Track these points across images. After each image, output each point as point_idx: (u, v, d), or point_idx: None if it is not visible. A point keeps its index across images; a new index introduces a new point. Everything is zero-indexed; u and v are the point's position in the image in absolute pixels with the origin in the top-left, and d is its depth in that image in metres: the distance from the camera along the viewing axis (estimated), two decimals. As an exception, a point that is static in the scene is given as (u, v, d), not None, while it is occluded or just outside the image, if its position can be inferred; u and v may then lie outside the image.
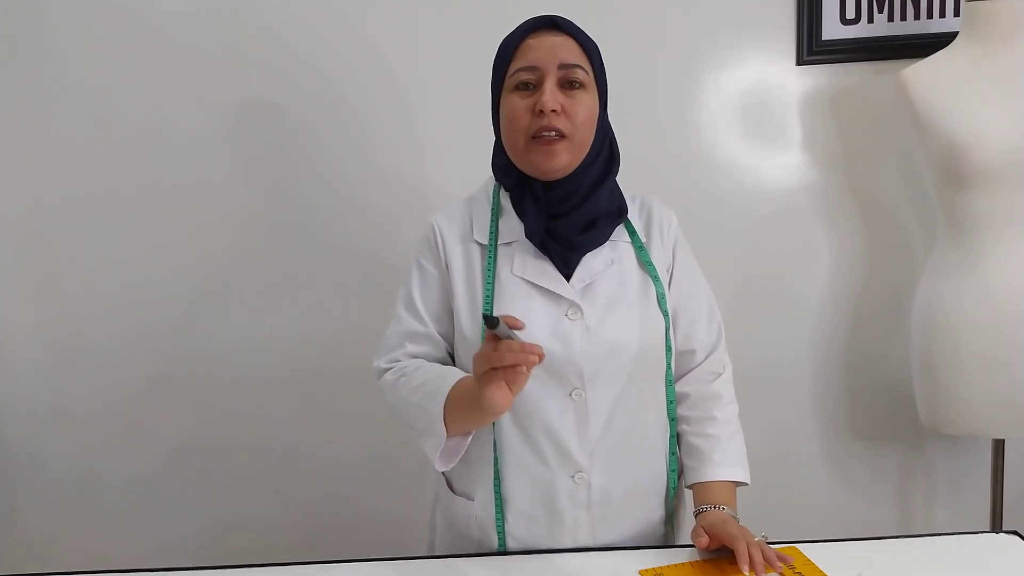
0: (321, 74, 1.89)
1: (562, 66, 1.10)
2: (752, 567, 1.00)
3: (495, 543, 1.18)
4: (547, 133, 1.09)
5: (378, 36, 1.88)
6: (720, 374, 1.24)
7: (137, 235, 1.95)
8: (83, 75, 1.90)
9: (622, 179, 1.22)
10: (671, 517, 1.22)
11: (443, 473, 1.27)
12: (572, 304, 1.13)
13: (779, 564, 1.01)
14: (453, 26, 1.86)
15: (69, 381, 2.01)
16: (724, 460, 1.18)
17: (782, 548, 1.09)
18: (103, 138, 1.92)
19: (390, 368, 1.20)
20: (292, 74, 1.89)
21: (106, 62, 1.90)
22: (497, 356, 0.93)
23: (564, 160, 1.11)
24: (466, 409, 1.06)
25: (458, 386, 1.08)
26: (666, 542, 1.22)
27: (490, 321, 0.91)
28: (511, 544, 1.18)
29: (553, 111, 1.08)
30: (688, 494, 1.26)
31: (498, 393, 0.95)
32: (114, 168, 1.93)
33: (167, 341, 1.99)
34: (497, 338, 0.94)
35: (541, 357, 0.93)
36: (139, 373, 2.00)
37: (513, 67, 1.12)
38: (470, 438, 1.13)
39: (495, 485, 1.17)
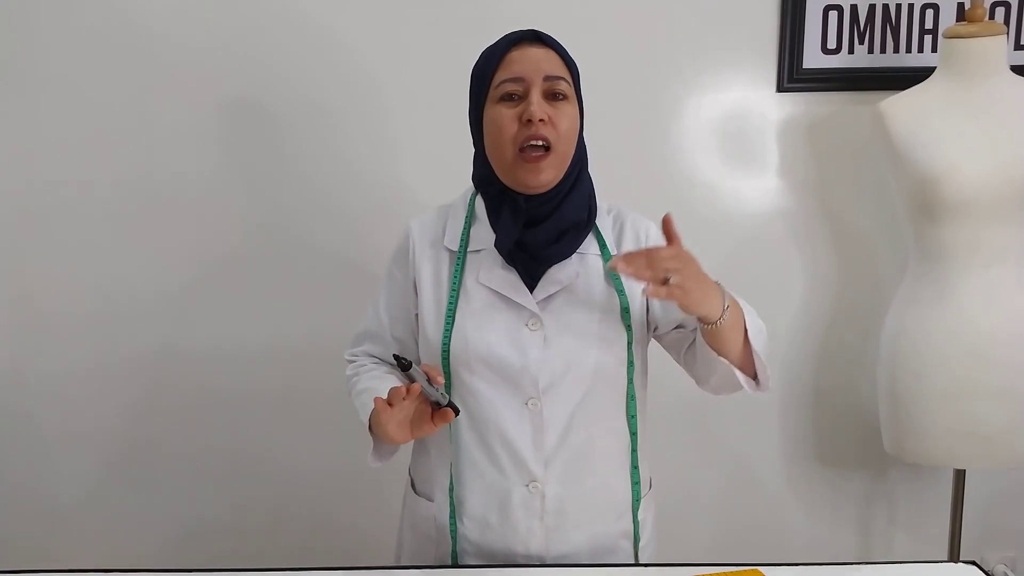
0: (300, 79, 1.87)
1: (547, 78, 1.11)
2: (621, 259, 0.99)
3: (451, 546, 1.19)
4: (534, 142, 1.10)
5: (359, 43, 1.87)
6: None
7: (110, 241, 1.92)
8: (61, 77, 1.87)
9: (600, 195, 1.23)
10: (633, 533, 1.22)
11: (409, 474, 1.31)
12: (533, 315, 1.15)
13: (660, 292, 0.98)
14: (432, 33, 1.86)
15: (35, 384, 1.97)
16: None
17: (745, 571, 1.09)
18: (77, 143, 1.89)
19: (351, 362, 1.31)
20: (271, 79, 1.87)
21: (87, 65, 1.86)
22: (389, 398, 1.04)
23: (550, 176, 1.12)
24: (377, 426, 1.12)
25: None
26: (627, 559, 1.21)
27: (401, 363, 1.00)
28: (466, 548, 1.18)
29: (541, 120, 1.09)
30: (651, 517, 1.26)
31: (393, 427, 1.05)
32: (83, 174, 1.90)
33: (136, 346, 1.95)
34: (411, 378, 1.03)
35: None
36: (109, 378, 1.96)
37: (498, 78, 1.12)
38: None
39: (449, 489, 1.18)
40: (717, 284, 1.07)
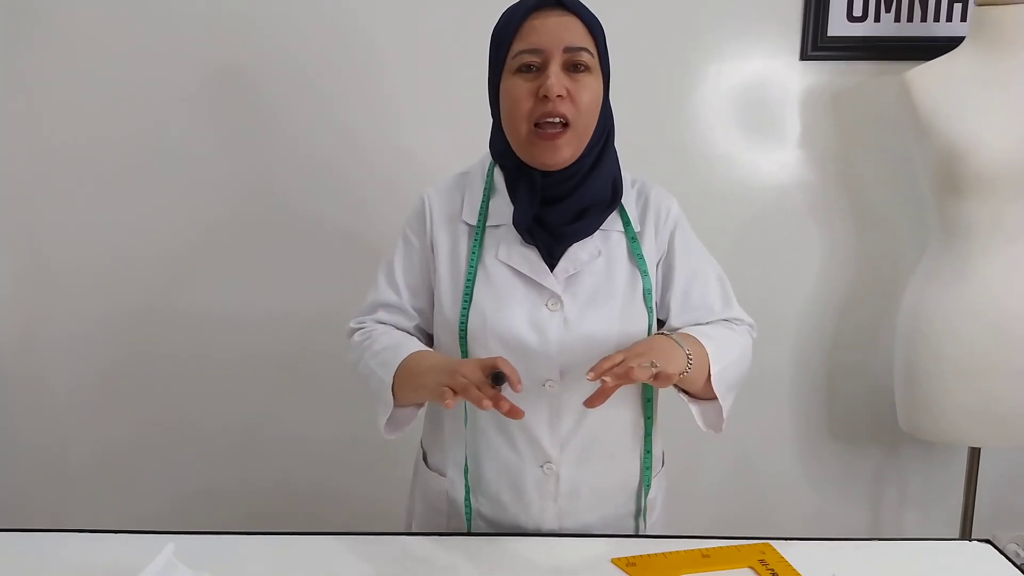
0: (305, 48, 1.83)
1: (567, 49, 1.05)
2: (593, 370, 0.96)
3: (463, 521, 1.18)
4: (551, 119, 1.05)
5: (361, 10, 1.82)
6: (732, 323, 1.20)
7: (119, 207, 1.90)
8: (70, 36, 1.84)
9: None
10: (641, 513, 1.20)
11: (421, 446, 1.28)
12: (553, 295, 1.11)
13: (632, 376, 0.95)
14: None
15: (42, 346, 1.97)
16: (695, 330, 1.12)
17: (755, 545, 1.08)
18: (80, 108, 1.87)
19: (359, 328, 1.21)
20: (275, 47, 1.83)
21: (97, 24, 1.83)
22: (465, 387, 0.96)
23: (567, 153, 1.08)
24: (413, 387, 1.08)
25: (412, 359, 1.09)
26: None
27: (497, 379, 0.95)
28: (478, 525, 1.17)
29: (559, 96, 1.04)
30: (662, 492, 1.25)
31: (447, 400, 0.97)
32: (91, 137, 1.88)
33: (147, 310, 1.95)
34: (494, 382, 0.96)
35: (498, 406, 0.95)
36: (112, 342, 1.96)
37: (515, 48, 1.07)
38: (421, 411, 1.14)
39: (465, 469, 1.16)
40: (671, 341, 1.05)
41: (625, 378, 0.96)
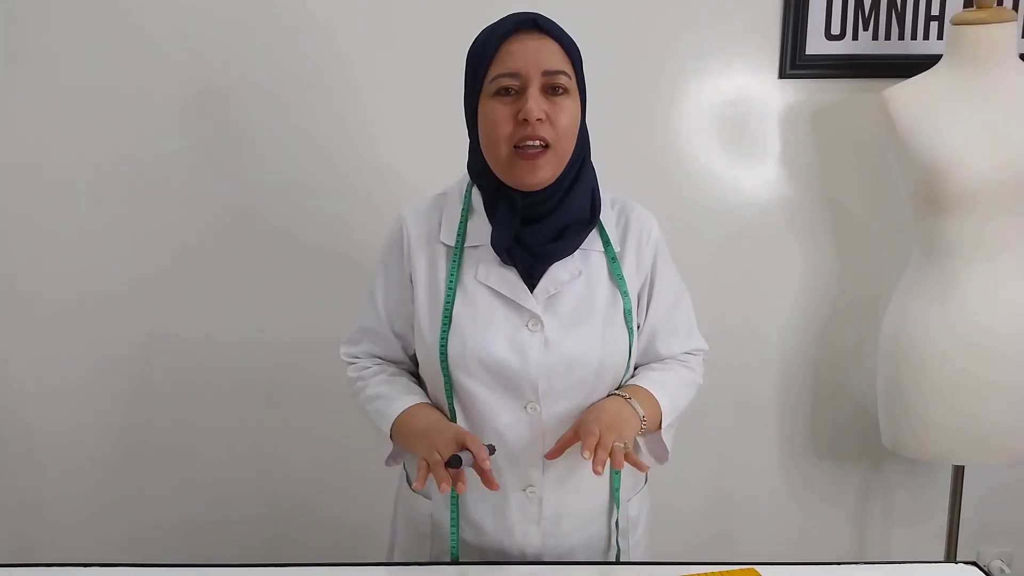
0: (281, 65, 1.81)
1: (546, 73, 1.05)
2: (593, 458, 0.99)
3: (448, 545, 1.16)
4: (531, 142, 1.05)
5: (338, 26, 1.81)
6: (692, 355, 1.26)
7: (93, 233, 1.87)
8: (40, 67, 1.81)
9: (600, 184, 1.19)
10: (615, 535, 1.19)
11: (404, 469, 1.28)
12: (533, 316, 1.11)
13: (621, 462, 1.00)
14: (410, 14, 1.80)
15: (14, 371, 1.92)
16: (651, 379, 1.17)
17: (741, 570, 1.07)
18: (51, 132, 1.83)
19: (352, 363, 1.26)
20: (251, 65, 1.81)
21: (66, 54, 1.80)
22: (434, 466, 1.01)
23: (547, 173, 1.07)
24: (408, 446, 1.15)
25: (405, 417, 1.15)
26: (621, 554, 1.19)
27: (453, 462, 0.99)
28: (462, 550, 1.16)
29: (538, 119, 1.04)
30: (645, 511, 1.24)
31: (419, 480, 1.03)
32: (63, 161, 1.84)
33: (123, 338, 1.91)
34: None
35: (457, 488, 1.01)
36: (95, 370, 1.92)
37: (493, 72, 1.07)
38: None
39: (452, 492, 1.14)
40: (628, 407, 1.10)
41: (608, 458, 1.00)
